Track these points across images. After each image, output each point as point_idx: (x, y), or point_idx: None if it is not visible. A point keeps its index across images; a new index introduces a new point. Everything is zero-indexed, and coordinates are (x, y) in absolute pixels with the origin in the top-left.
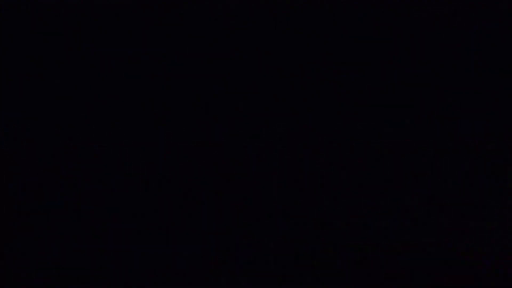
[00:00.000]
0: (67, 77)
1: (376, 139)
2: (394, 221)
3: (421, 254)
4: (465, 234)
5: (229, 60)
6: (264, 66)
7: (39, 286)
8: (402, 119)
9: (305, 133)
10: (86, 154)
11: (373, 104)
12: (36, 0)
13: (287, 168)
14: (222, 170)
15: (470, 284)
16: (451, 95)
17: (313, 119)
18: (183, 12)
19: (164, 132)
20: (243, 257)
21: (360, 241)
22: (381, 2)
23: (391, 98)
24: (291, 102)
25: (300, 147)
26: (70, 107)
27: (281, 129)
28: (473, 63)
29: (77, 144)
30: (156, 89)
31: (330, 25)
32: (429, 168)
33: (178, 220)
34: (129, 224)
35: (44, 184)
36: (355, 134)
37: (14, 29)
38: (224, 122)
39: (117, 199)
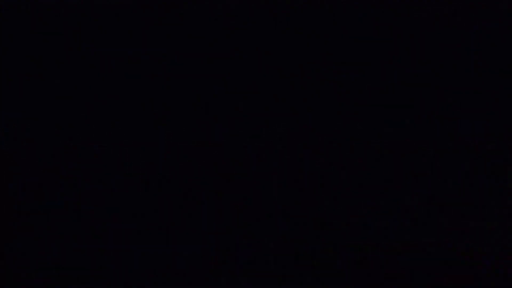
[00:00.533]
0: (67, 77)
1: (376, 139)
2: (394, 221)
3: (421, 254)
4: (465, 234)
5: (229, 60)
6: (264, 66)
7: (39, 286)
8: (402, 119)
9: (305, 133)
10: (86, 154)
11: (373, 104)
12: (36, 0)
13: (287, 168)
14: (222, 170)
15: (470, 284)
16: (451, 95)
17: (313, 119)
18: (183, 12)
19: (164, 132)
20: (243, 257)
21: (360, 241)
22: (381, 2)
23: (391, 98)
24: (291, 102)
25: (300, 147)
26: (70, 107)
27: (281, 129)
28: (473, 63)
29: (77, 144)
30: (156, 89)
31: (330, 25)
32: (429, 168)
33: (178, 220)
34: (129, 224)
35: (44, 184)
36: (355, 134)
37: (14, 29)
38: (224, 122)
39: (117, 199)
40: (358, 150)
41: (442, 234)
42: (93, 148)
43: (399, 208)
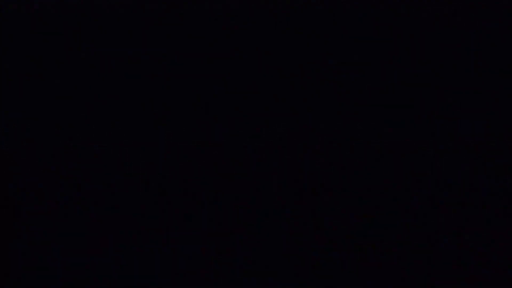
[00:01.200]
0: (67, 77)
1: (376, 139)
2: (394, 221)
3: (421, 254)
4: (465, 234)
5: (229, 60)
6: (264, 66)
7: (39, 286)
8: (402, 119)
9: (305, 133)
10: (86, 154)
11: (373, 104)
12: (36, 0)
13: (287, 168)
14: (222, 170)
15: (470, 284)
16: (451, 95)
17: (313, 119)
18: (183, 12)
19: (164, 132)
20: (243, 257)
21: (360, 241)
22: (381, 2)
23: (391, 98)
24: (291, 102)
25: (300, 147)
26: (70, 107)
27: (281, 129)
28: (473, 63)
29: (77, 144)
30: (156, 89)
31: (330, 25)
32: (429, 168)
33: (178, 220)
34: (129, 224)
35: (44, 184)
36: (355, 134)
37: (14, 29)
38: (224, 122)
39: (117, 199)
40: (358, 150)
41: (442, 234)
42: (93, 148)
43: (399, 208)
